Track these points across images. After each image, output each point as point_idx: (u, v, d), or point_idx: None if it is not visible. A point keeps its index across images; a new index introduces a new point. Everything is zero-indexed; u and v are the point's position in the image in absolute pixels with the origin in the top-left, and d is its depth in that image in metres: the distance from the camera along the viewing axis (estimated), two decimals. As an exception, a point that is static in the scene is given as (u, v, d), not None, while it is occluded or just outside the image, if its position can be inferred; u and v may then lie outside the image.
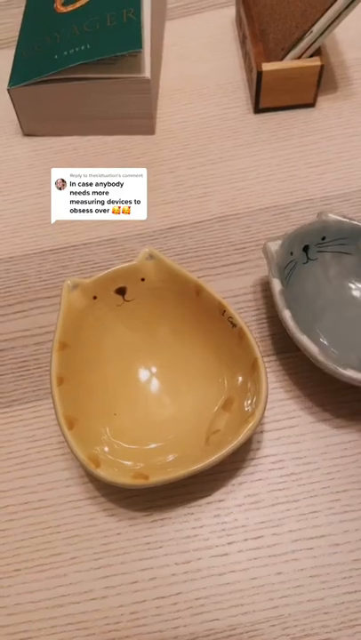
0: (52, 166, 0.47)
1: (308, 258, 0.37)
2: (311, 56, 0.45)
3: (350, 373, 0.32)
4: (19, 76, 0.45)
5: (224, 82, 0.50)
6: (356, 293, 0.38)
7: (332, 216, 0.37)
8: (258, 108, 0.48)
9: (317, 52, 0.45)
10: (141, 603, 0.32)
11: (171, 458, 0.33)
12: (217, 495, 0.34)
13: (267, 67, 0.44)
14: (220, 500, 0.34)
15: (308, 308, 0.37)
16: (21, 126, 0.48)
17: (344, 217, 0.37)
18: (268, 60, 0.46)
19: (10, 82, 0.45)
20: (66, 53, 0.43)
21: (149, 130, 0.47)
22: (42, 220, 0.44)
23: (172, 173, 0.46)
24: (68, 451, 0.36)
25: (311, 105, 0.48)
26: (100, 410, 0.34)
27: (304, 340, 0.33)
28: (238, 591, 0.31)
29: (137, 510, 0.34)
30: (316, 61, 0.44)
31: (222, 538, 0.33)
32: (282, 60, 0.45)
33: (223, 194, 0.45)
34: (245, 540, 0.33)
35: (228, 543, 0.33)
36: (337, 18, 0.42)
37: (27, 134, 0.49)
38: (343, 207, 0.43)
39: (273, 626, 0.30)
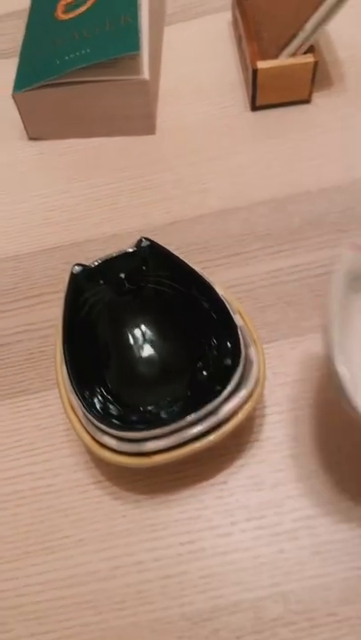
0: (57, 167, 0.48)
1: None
2: (305, 53, 0.46)
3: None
4: (22, 81, 0.46)
5: (222, 82, 0.51)
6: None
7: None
8: (255, 106, 0.49)
9: (311, 50, 0.46)
10: (148, 582, 0.32)
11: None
12: (219, 477, 0.34)
13: (262, 64, 0.46)
14: (222, 482, 0.34)
15: None
16: (27, 130, 0.50)
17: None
18: (264, 59, 0.47)
19: (14, 87, 0.46)
20: (67, 58, 0.45)
21: (150, 130, 0.49)
22: (47, 220, 0.46)
23: (172, 171, 0.47)
24: (74, 438, 0.37)
25: (307, 101, 0.49)
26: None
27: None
28: (242, 569, 0.32)
29: (141, 493, 0.34)
30: (309, 58, 0.46)
31: (226, 518, 0.33)
32: (277, 58, 0.46)
33: (222, 189, 0.46)
34: (248, 520, 0.33)
35: (232, 523, 0.33)
36: (329, 14, 0.43)
37: (32, 138, 0.50)
38: (340, 198, 0.44)
39: (276, 602, 0.31)
